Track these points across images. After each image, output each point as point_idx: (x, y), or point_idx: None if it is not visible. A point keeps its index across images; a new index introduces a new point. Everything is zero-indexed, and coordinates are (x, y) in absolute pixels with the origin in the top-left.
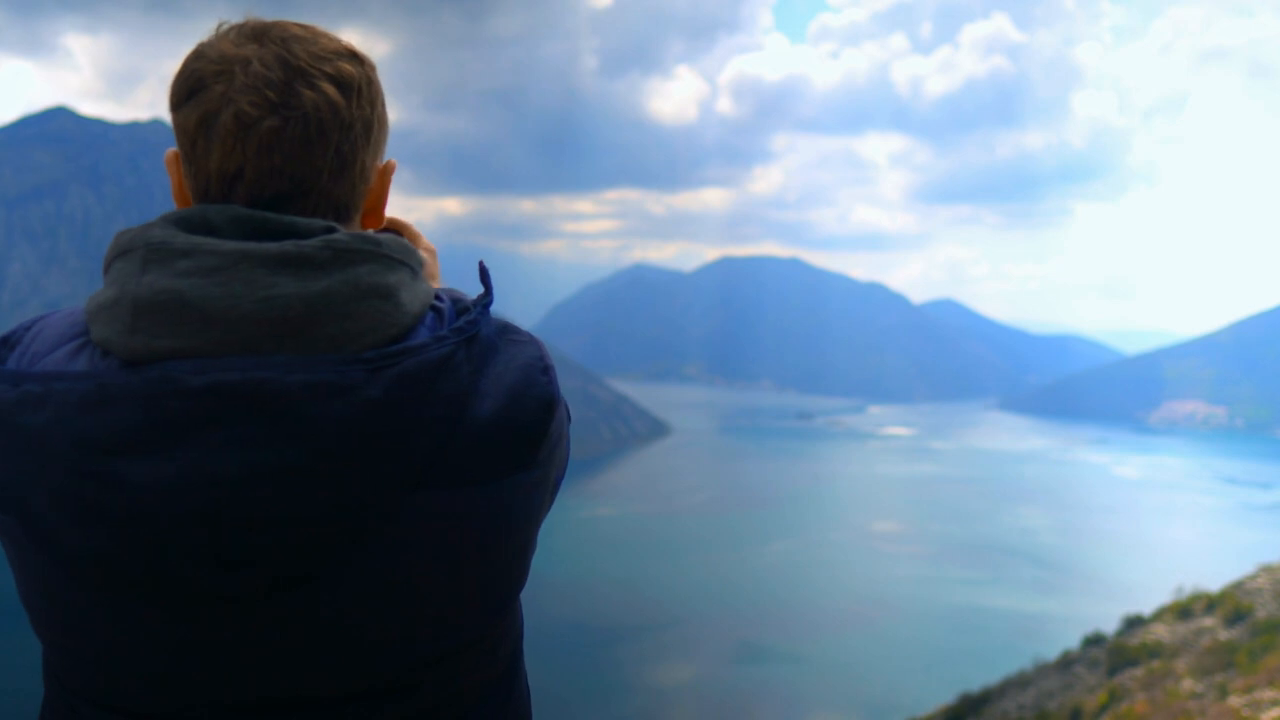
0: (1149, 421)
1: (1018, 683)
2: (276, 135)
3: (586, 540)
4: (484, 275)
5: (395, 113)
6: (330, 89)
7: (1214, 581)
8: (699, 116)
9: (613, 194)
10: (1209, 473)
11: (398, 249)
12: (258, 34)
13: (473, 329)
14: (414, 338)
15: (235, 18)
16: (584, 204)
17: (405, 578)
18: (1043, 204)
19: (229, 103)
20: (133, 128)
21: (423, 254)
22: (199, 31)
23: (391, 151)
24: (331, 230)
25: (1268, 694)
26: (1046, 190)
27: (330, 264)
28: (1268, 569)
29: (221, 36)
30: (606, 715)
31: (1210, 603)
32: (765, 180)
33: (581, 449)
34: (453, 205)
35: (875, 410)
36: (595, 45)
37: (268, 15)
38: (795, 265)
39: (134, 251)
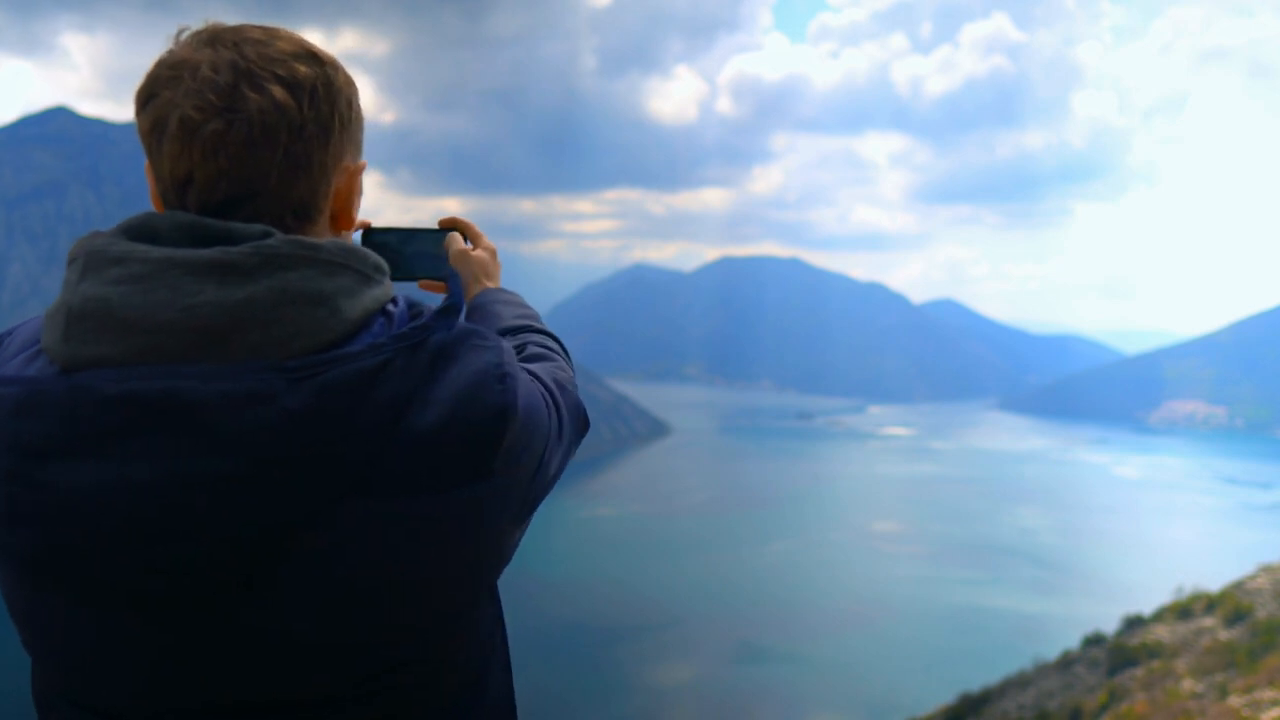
0: (1149, 421)
1: (1018, 683)
2: (220, 139)
3: (586, 540)
4: (449, 280)
5: (394, 113)
6: (278, 91)
7: (1214, 581)
8: (699, 116)
9: (612, 194)
10: (1209, 473)
11: (340, 253)
12: (214, 38)
13: (420, 335)
14: (354, 345)
15: (230, 18)
16: (584, 204)
17: (341, 588)
18: (1043, 204)
19: (175, 108)
20: (132, 128)
21: (482, 253)
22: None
23: (391, 152)
24: (268, 235)
25: (1268, 694)
26: (1046, 190)
27: (258, 270)
28: (1268, 569)
29: (183, 43)
30: (606, 715)
31: (1210, 603)
32: (765, 180)
33: (581, 449)
34: (452, 205)
35: (875, 410)
36: (594, 45)
37: (265, 16)
38: (795, 265)
39: (77, 260)
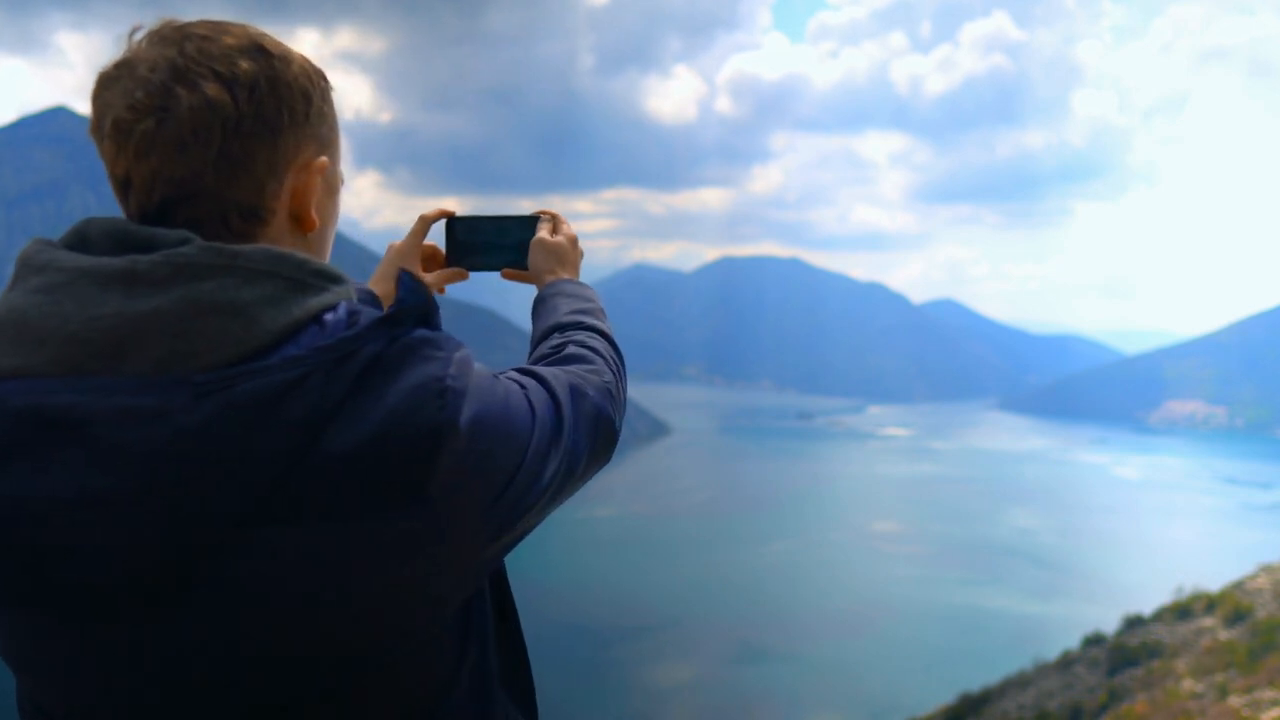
0: (1149, 421)
1: (1018, 683)
2: (151, 139)
3: (586, 541)
4: (399, 284)
5: (392, 112)
6: (213, 88)
7: (1214, 581)
8: (698, 116)
9: (611, 193)
10: (1209, 473)
11: (265, 260)
12: (161, 36)
13: (349, 347)
14: (275, 357)
15: (226, 17)
16: (583, 204)
17: (253, 613)
18: (1043, 204)
19: (110, 109)
20: None
21: (559, 241)
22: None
23: (390, 151)
24: (185, 242)
25: (1268, 694)
26: (1047, 190)
27: (168, 280)
28: (1268, 569)
29: (135, 43)
30: (606, 716)
31: (1210, 603)
32: (764, 180)
33: None
34: (451, 205)
35: (875, 410)
36: (592, 43)
37: (262, 14)
38: (795, 265)
39: (14, 268)
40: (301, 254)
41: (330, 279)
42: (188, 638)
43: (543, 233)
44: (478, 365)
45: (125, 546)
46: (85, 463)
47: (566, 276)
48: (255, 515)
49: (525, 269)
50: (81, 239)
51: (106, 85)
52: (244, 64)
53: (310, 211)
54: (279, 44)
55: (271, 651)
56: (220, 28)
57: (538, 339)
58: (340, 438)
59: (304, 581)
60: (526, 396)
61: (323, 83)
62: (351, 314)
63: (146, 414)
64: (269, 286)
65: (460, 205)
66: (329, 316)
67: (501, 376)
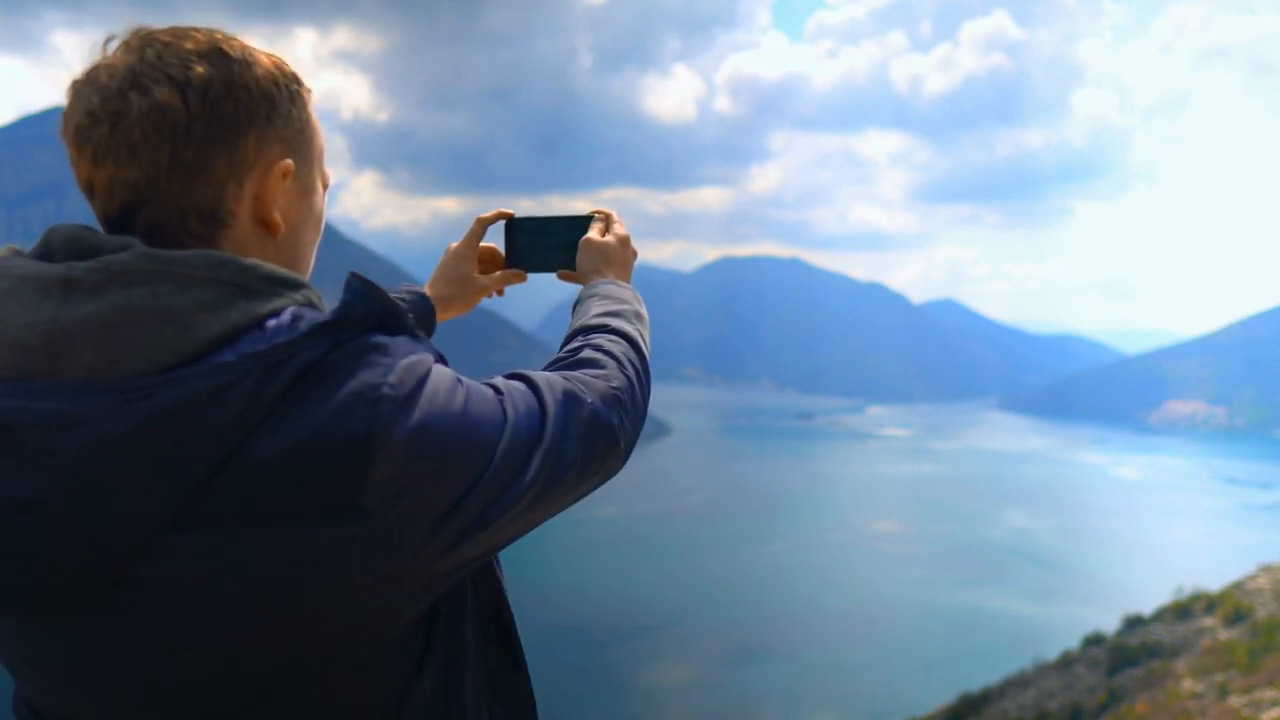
0: (1149, 421)
1: (1018, 683)
2: (105, 145)
3: (585, 541)
4: (345, 288)
5: (390, 111)
6: (164, 92)
7: (1214, 581)
8: (697, 115)
9: (610, 193)
10: (1209, 473)
11: (204, 265)
12: (127, 43)
13: (283, 354)
14: (205, 364)
15: (223, 16)
16: (581, 203)
17: (179, 623)
18: (1043, 203)
19: (72, 116)
20: None
21: (609, 241)
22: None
23: (388, 151)
24: (125, 248)
25: (1268, 694)
26: (1047, 189)
27: (102, 287)
28: (1268, 569)
29: (106, 50)
30: (605, 717)
31: (1210, 603)
32: (764, 179)
33: None
34: (450, 205)
35: (875, 410)
36: (590, 42)
37: (259, 13)
38: (795, 265)
39: None
40: (250, 259)
41: (282, 284)
42: (123, 641)
43: (593, 232)
44: (439, 370)
45: (55, 550)
46: (16, 467)
47: (611, 277)
48: (182, 520)
49: (573, 270)
50: (46, 246)
51: (73, 92)
52: (199, 68)
53: (274, 214)
54: (245, 48)
55: (206, 657)
56: (184, 33)
57: (563, 342)
58: (267, 445)
59: (234, 587)
60: (501, 403)
61: (293, 86)
62: (295, 319)
63: (74, 420)
64: (207, 292)
65: (459, 205)
66: (272, 322)
67: (479, 382)
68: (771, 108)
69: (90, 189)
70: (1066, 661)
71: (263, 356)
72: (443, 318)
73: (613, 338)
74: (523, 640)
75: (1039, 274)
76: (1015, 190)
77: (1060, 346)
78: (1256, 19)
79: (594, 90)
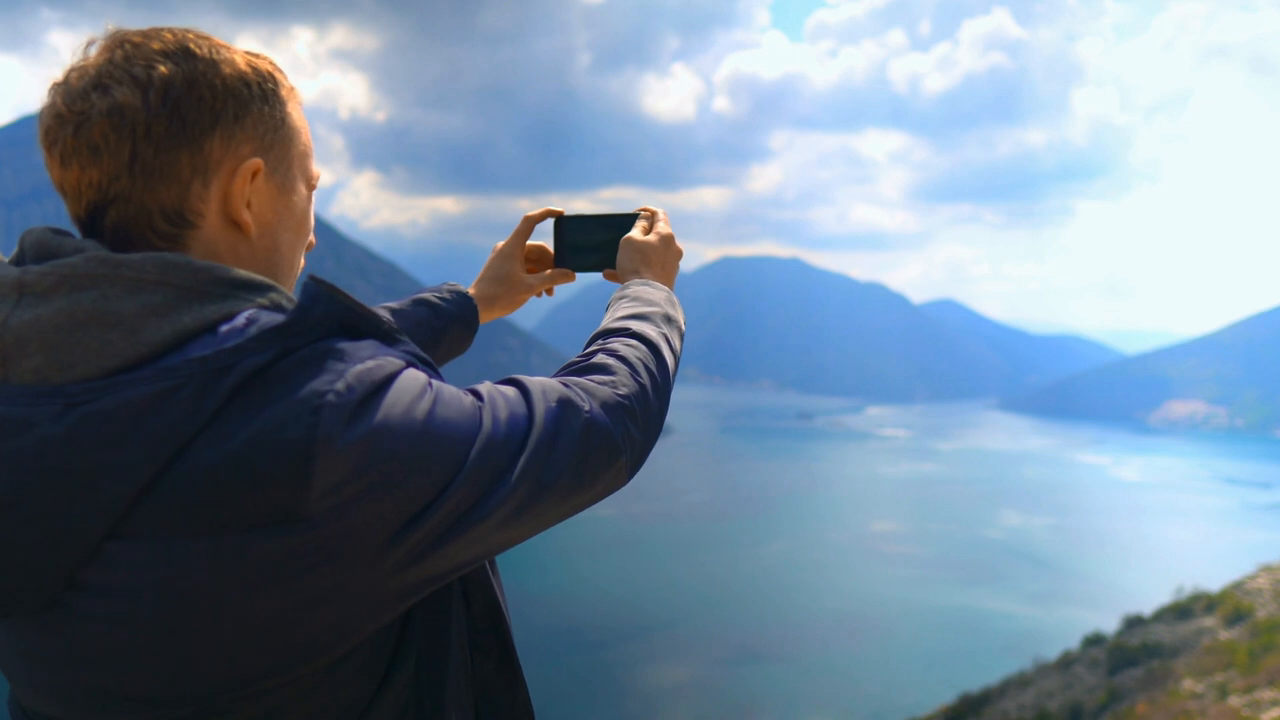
0: (1149, 422)
1: (1018, 683)
2: (70, 147)
3: (584, 542)
4: (304, 291)
5: (387, 110)
6: (124, 92)
7: (1214, 581)
8: (696, 114)
9: (609, 193)
10: (1209, 473)
11: (155, 269)
12: (101, 45)
13: (227, 359)
14: (149, 369)
15: (215, 15)
16: (580, 203)
17: (121, 629)
18: (1044, 203)
19: (42, 119)
20: None
21: (649, 240)
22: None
23: (387, 150)
24: (79, 251)
25: (1268, 694)
26: (1047, 189)
27: (52, 291)
28: (1268, 569)
29: (88, 53)
30: (603, 718)
31: (1210, 603)
32: (763, 179)
33: None
34: (449, 204)
35: (874, 410)
36: (589, 41)
37: (256, 13)
38: (794, 265)
39: None
40: (207, 262)
41: (242, 286)
42: (70, 643)
43: (635, 231)
44: (407, 375)
45: (1, 553)
46: None
47: (648, 277)
48: (123, 526)
49: (614, 269)
50: (20, 250)
51: (47, 95)
52: (162, 67)
53: (242, 214)
54: (215, 47)
55: (149, 664)
56: (155, 34)
57: (584, 345)
58: (208, 452)
59: (175, 594)
60: (479, 410)
61: (268, 85)
62: (249, 323)
63: (16, 424)
64: (156, 296)
65: (457, 205)
66: (224, 327)
67: (462, 389)
68: (771, 107)
69: (63, 190)
70: (1066, 661)
71: (207, 361)
72: (487, 318)
73: (631, 342)
74: (520, 642)
75: (1039, 274)
76: (1015, 190)
77: (1060, 346)
78: (1258, 16)
79: (592, 90)
